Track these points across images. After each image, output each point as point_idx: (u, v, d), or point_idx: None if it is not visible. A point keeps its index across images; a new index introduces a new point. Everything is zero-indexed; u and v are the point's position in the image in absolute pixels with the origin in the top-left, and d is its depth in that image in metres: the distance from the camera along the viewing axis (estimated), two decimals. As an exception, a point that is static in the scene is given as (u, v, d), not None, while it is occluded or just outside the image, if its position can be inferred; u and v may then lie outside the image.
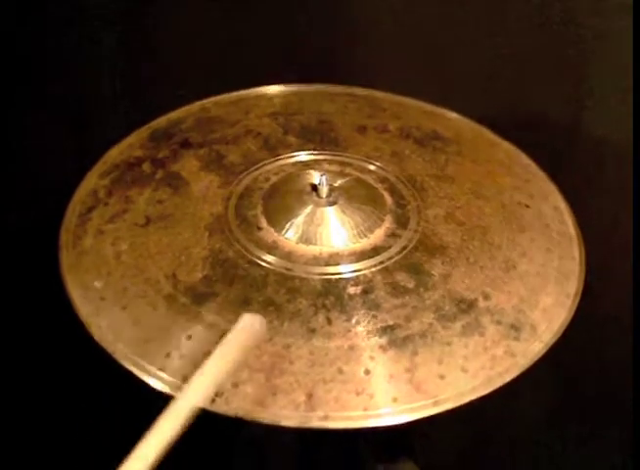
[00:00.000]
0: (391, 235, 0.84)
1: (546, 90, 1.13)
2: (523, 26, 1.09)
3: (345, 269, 0.80)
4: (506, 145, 1.01)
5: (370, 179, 0.91)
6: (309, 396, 0.69)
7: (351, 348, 0.73)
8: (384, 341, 0.74)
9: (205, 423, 0.67)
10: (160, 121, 1.01)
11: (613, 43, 1.04)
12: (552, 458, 1.29)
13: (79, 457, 0.72)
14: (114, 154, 0.95)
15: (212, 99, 1.05)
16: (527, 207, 0.91)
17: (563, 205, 0.92)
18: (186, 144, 0.96)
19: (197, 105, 1.04)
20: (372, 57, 1.20)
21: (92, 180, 0.92)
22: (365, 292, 0.78)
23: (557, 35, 1.08)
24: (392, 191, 0.90)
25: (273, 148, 0.96)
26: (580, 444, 1.27)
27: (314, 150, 0.96)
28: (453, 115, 1.04)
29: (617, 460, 1.23)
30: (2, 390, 1.21)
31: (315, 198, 0.85)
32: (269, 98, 1.06)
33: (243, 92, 1.06)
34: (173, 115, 1.02)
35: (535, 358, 0.75)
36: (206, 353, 0.72)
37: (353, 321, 0.75)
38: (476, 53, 1.14)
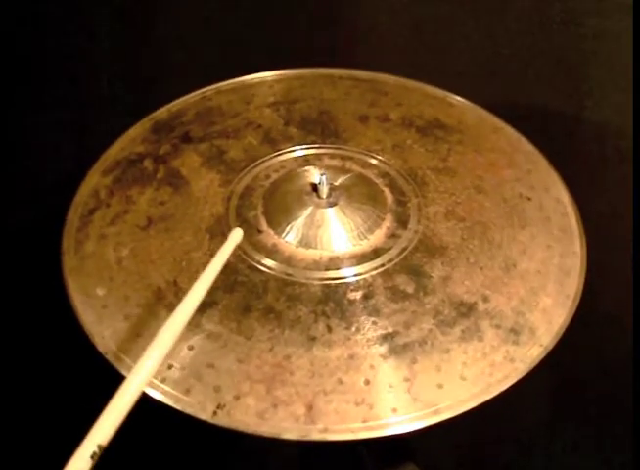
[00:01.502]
0: (392, 236, 0.84)
1: (546, 90, 1.12)
2: (523, 26, 1.08)
3: (345, 273, 0.80)
4: (509, 130, 1.00)
5: (371, 174, 0.91)
6: (309, 408, 0.70)
7: (351, 357, 0.74)
8: (383, 349, 0.74)
9: (207, 432, 0.68)
10: (162, 112, 1.01)
11: (613, 43, 1.03)
12: (552, 458, 1.30)
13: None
14: (116, 149, 0.95)
15: (213, 86, 1.04)
16: (529, 199, 0.90)
17: (565, 196, 0.92)
18: (187, 138, 0.96)
19: (198, 93, 1.03)
20: (372, 56, 1.19)
21: (94, 178, 0.92)
22: (365, 297, 0.78)
23: (557, 35, 1.07)
24: (393, 187, 0.90)
25: (274, 141, 0.96)
26: (580, 444, 1.28)
27: (315, 143, 0.95)
28: (457, 98, 1.03)
29: (618, 460, 1.24)
30: (2, 395, 1.22)
31: (315, 198, 0.86)
32: (270, 84, 1.05)
33: (244, 78, 1.05)
34: (174, 105, 1.02)
35: (535, 363, 0.75)
36: (208, 365, 0.73)
37: (353, 329, 0.75)
38: (476, 53, 1.13)
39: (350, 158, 0.93)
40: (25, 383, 1.24)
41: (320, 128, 0.98)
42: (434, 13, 1.12)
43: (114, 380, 0.72)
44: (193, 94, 1.03)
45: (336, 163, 0.93)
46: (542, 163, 0.96)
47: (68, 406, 1.15)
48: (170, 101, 1.00)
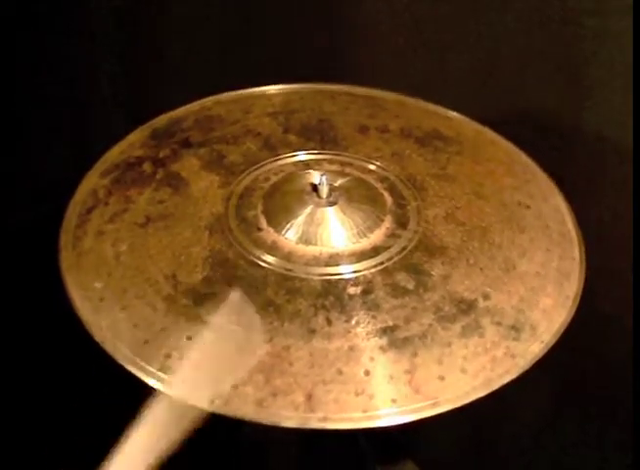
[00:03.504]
0: (391, 235, 0.84)
1: (546, 90, 1.13)
2: (523, 26, 1.09)
3: (345, 270, 0.80)
4: (506, 144, 1.00)
5: (370, 179, 0.91)
6: (309, 397, 0.69)
7: (351, 349, 0.73)
8: (383, 342, 0.74)
9: (205, 424, 0.67)
10: (161, 120, 1.01)
11: (613, 43, 1.04)
12: (552, 459, 1.29)
13: (77, 457, 0.72)
14: (115, 153, 0.95)
15: (213, 98, 1.05)
16: (528, 207, 0.91)
17: (563, 205, 0.92)
18: (186, 143, 0.96)
19: (197, 103, 1.04)
20: (372, 56, 1.20)
21: (92, 180, 0.92)
22: (365, 292, 0.78)
23: (557, 35, 1.08)
24: (392, 191, 0.90)
25: (273, 147, 0.96)
26: (580, 444, 1.27)
27: (314, 149, 0.95)
28: (454, 114, 1.04)
29: (618, 460, 1.22)
30: (2, 390, 1.21)
31: (315, 198, 0.85)
32: (269, 97, 1.06)
33: (243, 91, 1.06)
34: (174, 113, 1.02)
35: (535, 359, 0.74)
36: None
37: (353, 322, 0.75)
38: (475, 53, 1.14)
39: (350, 164, 0.94)
40: (25, 375, 1.23)
41: (319, 136, 0.98)
42: (434, 13, 1.12)
43: (113, 372, 0.72)
44: (191, 104, 1.03)
45: (335, 168, 0.93)
46: (540, 174, 0.96)
47: (69, 398, 1.14)
48: (170, 102, 1.00)
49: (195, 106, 1.03)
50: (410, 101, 1.06)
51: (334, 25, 1.18)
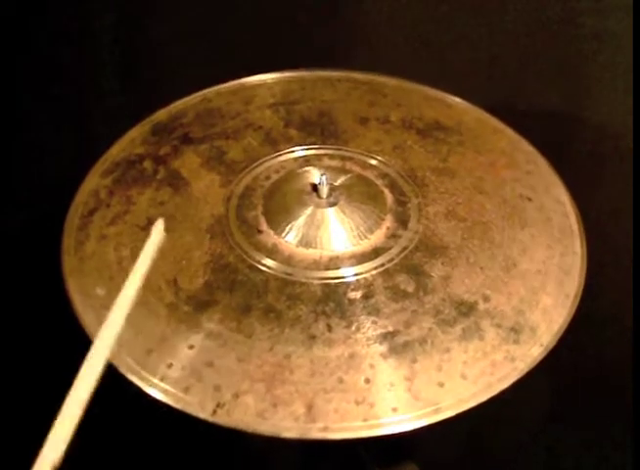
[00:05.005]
0: (392, 236, 0.84)
1: (546, 90, 1.12)
2: (523, 26, 1.08)
3: (346, 273, 0.80)
4: (508, 132, 1.00)
5: (371, 175, 0.91)
6: (309, 407, 0.70)
7: (351, 356, 0.73)
8: (384, 348, 0.74)
9: (206, 433, 0.68)
10: (162, 114, 1.01)
11: (613, 43, 1.03)
12: (552, 459, 1.30)
13: (79, 465, 0.73)
14: (116, 151, 0.95)
15: (214, 88, 1.04)
16: (529, 200, 0.90)
17: (565, 196, 0.91)
18: (187, 139, 0.96)
19: (197, 95, 1.03)
20: (372, 56, 1.19)
21: (94, 180, 0.92)
22: (365, 296, 0.78)
23: (557, 35, 1.07)
24: (393, 187, 0.90)
25: (274, 142, 0.95)
26: (580, 445, 1.28)
27: (315, 144, 0.95)
28: (455, 100, 1.03)
29: (618, 461, 1.23)
30: (1, 395, 1.22)
31: (315, 198, 0.86)
32: (270, 86, 1.05)
33: (243, 80, 1.05)
34: (174, 106, 1.02)
35: (535, 363, 0.75)
36: (208, 364, 0.73)
37: (353, 328, 0.75)
38: (475, 53, 1.13)
39: (350, 158, 0.93)
40: (26, 383, 1.24)
41: (320, 129, 0.97)
42: (434, 13, 1.12)
43: (115, 380, 0.72)
44: (192, 96, 1.03)
45: (336, 163, 0.93)
46: (542, 163, 0.96)
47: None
48: (170, 101, 1.00)
49: (195, 98, 1.03)
50: (411, 86, 1.05)
51: (333, 25, 1.17)
